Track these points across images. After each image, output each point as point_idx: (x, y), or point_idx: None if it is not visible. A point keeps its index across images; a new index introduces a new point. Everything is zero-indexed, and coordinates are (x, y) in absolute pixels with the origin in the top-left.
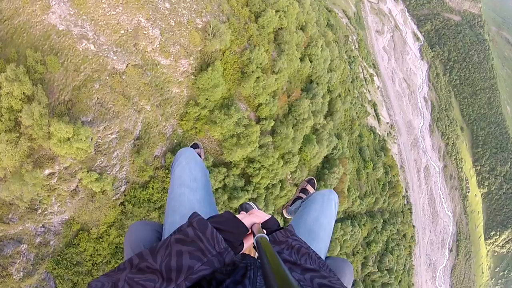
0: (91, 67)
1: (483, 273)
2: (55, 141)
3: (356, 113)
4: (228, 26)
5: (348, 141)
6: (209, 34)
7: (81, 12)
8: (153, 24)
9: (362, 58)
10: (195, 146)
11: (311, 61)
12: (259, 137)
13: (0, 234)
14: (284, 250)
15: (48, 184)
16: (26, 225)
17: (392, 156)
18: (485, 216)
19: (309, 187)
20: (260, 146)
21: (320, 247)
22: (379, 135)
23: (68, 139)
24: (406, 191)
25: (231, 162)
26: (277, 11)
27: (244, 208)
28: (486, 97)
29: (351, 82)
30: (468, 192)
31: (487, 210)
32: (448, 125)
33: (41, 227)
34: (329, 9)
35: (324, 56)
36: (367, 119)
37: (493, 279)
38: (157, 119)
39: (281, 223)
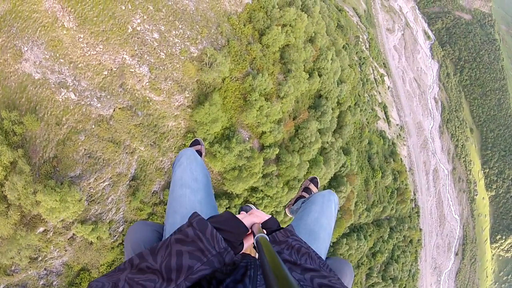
0: (73, 118)
1: (487, 277)
2: (43, 210)
3: (366, 119)
4: (227, 52)
5: (357, 150)
6: (205, 64)
7: (57, 55)
8: (140, 61)
9: (372, 58)
10: (195, 142)
11: (320, 76)
12: (263, 166)
13: (4, 284)
14: (284, 250)
15: (44, 237)
16: (29, 272)
17: (401, 159)
18: (492, 219)
19: (312, 186)
20: (264, 176)
21: (320, 247)
22: (389, 138)
23: (57, 207)
24: (414, 194)
25: (233, 192)
26: (283, 25)
27: (244, 209)
28: (496, 98)
29: (362, 86)
30: (476, 195)
31: (494, 214)
32: (458, 127)
33: (43, 270)
34: (340, 8)
35: (334, 68)
36: (377, 123)
37: (497, 283)
38: (153, 156)
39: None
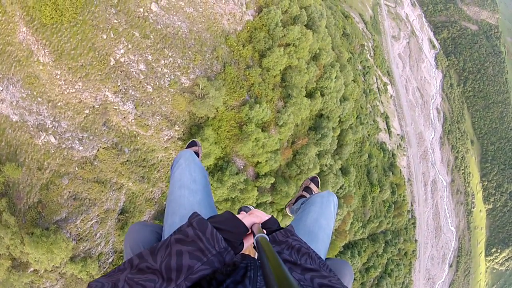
0: (55, 162)
1: None
2: (32, 261)
3: (368, 132)
4: (222, 80)
5: (356, 165)
6: (197, 96)
7: (35, 93)
8: (124, 97)
9: (377, 66)
10: (193, 143)
11: (322, 95)
12: (257, 196)
13: None
14: (284, 250)
15: (36, 275)
16: None
17: (400, 170)
18: (488, 232)
19: (312, 186)
20: (257, 205)
21: (320, 248)
22: (389, 150)
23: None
24: (412, 205)
25: None
26: (286, 45)
27: (244, 209)
28: (498, 111)
29: (365, 97)
30: (473, 208)
31: (491, 227)
32: (459, 138)
33: None
34: (346, 14)
35: (337, 86)
36: (377, 135)
37: None
38: (143, 188)
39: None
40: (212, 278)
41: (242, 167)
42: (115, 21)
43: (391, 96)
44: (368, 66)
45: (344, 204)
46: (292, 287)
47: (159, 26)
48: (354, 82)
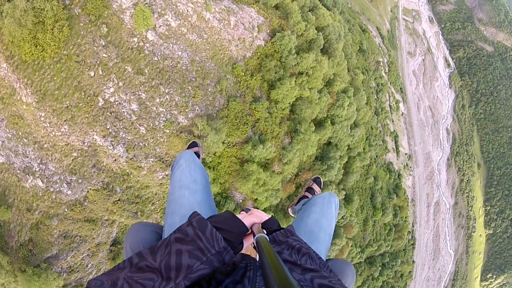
0: (44, 204)
1: None
2: None
3: (376, 153)
4: (225, 117)
5: (361, 188)
6: (195, 137)
7: (20, 134)
8: (114, 140)
9: (390, 83)
10: (193, 144)
11: (333, 124)
12: None
13: None
14: (284, 250)
15: None
16: None
17: (405, 190)
18: (485, 257)
19: (315, 186)
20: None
21: (321, 248)
22: (395, 170)
23: None
24: (413, 226)
25: None
26: (299, 74)
27: (244, 209)
28: (507, 136)
29: (376, 116)
30: (474, 232)
31: (489, 252)
32: (466, 161)
33: None
34: (363, 28)
35: (349, 113)
36: (385, 155)
37: None
38: (136, 220)
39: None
40: (212, 277)
41: (241, 201)
42: (104, 55)
43: (402, 113)
44: (382, 84)
45: (344, 234)
46: (292, 287)
47: (156, 58)
48: (367, 104)
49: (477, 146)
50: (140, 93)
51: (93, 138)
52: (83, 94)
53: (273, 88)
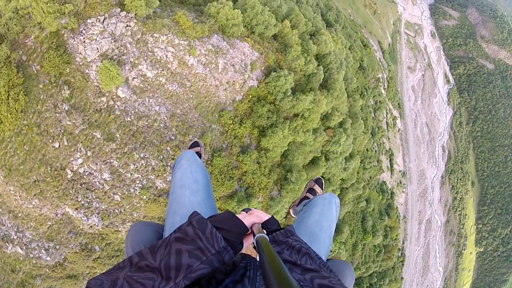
0: (26, 267)
1: None
2: None
3: (370, 176)
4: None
5: (352, 212)
6: None
7: None
8: (88, 211)
9: (389, 99)
10: (195, 144)
11: (327, 160)
12: None
13: None
14: (284, 250)
15: None
16: None
17: (397, 208)
18: (475, 275)
19: (316, 187)
20: None
21: (321, 248)
22: (388, 189)
23: None
24: (403, 243)
25: None
26: (295, 116)
27: (244, 209)
28: (503, 155)
29: (372, 136)
30: (464, 250)
31: (478, 270)
32: (460, 179)
33: None
34: (365, 42)
35: (345, 147)
36: (379, 175)
37: None
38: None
39: None
40: (212, 277)
41: None
42: (68, 122)
43: (398, 130)
44: (380, 101)
45: None
46: (292, 287)
47: (129, 119)
48: (364, 133)
49: (472, 164)
50: (112, 161)
51: (65, 210)
52: (49, 168)
53: (264, 135)
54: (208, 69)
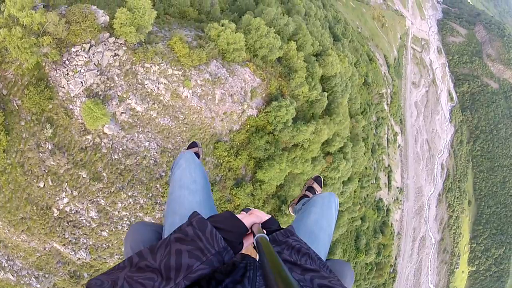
0: None
1: None
2: None
3: (367, 194)
4: None
5: (346, 231)
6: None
7: None
8: (76, 247)
9: (391, 115)
10: (193, 144)
11: (324, 185)
12: None
13: None
14: (284, 250)
15: None
16: None
17: (392, 225)
18: None
19: (315, 185)
20: None
21: (320, 248)
22: (384, 206)
23: None
24: (396, 259)
25: None
26: (294, 146)
27: (244, 209)
28: (502, 175)
29: (372, 153)
30: (457, 268)
31: None
32: (457, 197)
33: None
34: (371, 56)
35: (344, 172)
36: (376, 192)
37: None
38: None
39: None
40: (211, 277)
41: None
42: (52, 162)
43: (399, 145)
44: (382, 117)
45: None
46: (292, 287)
47: (116, 156)
48: (364, 154)
49: (470, 183)
50: (99, 199)
51: (53, 245)
52: (35, 207)
53: (260, 167)
54: (204, 101)
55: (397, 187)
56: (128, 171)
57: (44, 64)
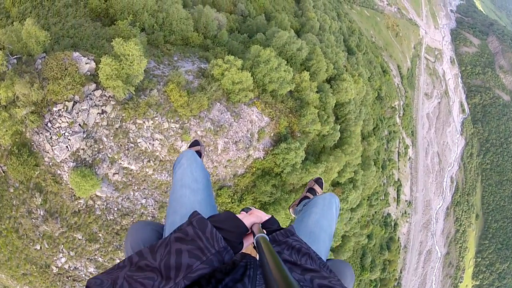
0: None
1: None
2: None
3: (375, 211)
4: None
5: (352, 249)
6: None
7: None
8: None
9: (403, 128)
10: (195, 143)
11: None
12: None
13: None
14: (284, 250)
15: None
16: None
17: (398, 239)
18: None
19: (316, 187)
20: None
21: (321, 249)
22: (392, 221)
23: None
24: (401, 272)
25: None
26: (302, 186)
27: (244, 209)
28: (510, 190)
29: (382, 170)
30: (461, 282)
31: None
32: (465, 211)
33: None
34: (384, 68)
35: (353, 201)
36: (385, 208)
37: None
38: None
39: None
40: (211, 276)
41: None
42: (46, 227)
43: (409, 158)
44: (394, 131)
45: None
46: (292, 287)
47: (111, 217)
48: (375, 175)
49: (478, 197)
50: (96, 257)
51: None
52: (34, 266)
53: (266, 210)
54: (205, 152)
55: (406, 200)
56: (125, 230)
57: (24, 130)
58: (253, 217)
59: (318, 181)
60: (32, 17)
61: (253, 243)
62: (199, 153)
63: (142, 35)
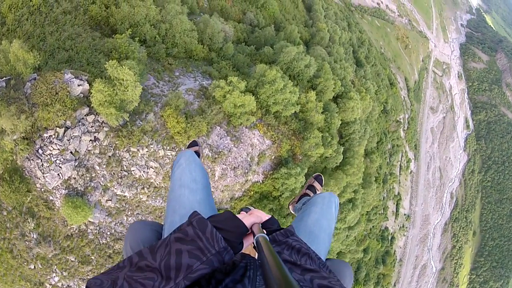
0: None
1: None
2: None
3: (373, 226)
4: None
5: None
6: None
7: None
8: None
9: (406, 141)
10: (193, 143)
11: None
12: None
13: None
14: (284, 250)
15: None
16: None
17: (394, 252)
18: None
19: (316, 184)
20: None
21: (320, 248)
22: (389, 235)
23: None
24: (395, 286)
25: None
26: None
27: (244, 209)
28: (509, 208)
29: (383, 184)
30: None
31: None
32: (463, 228)
33: None
34: (392, 80)
35: (351, 220)
36: (383, 222)
37: None
38: None
39: None
40: (211, 277)
41: None
42: (39, 250)
43: (411, 172)
44: (397, 145)
45: None
46: (292, 287)
47: (104, 241)
48: (376, 190)
49: (477, 214)
50: (89, 277)
51: None
52: (28, 283)
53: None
54: (203, 153)
55: (405, 214)
56: (117, 253)
57: (14, 157)
58: (253, 217)
59: (318, 178)
60: (20, 37)
61: (253, 243)
62: (197, 154)
63: (142, 50)
